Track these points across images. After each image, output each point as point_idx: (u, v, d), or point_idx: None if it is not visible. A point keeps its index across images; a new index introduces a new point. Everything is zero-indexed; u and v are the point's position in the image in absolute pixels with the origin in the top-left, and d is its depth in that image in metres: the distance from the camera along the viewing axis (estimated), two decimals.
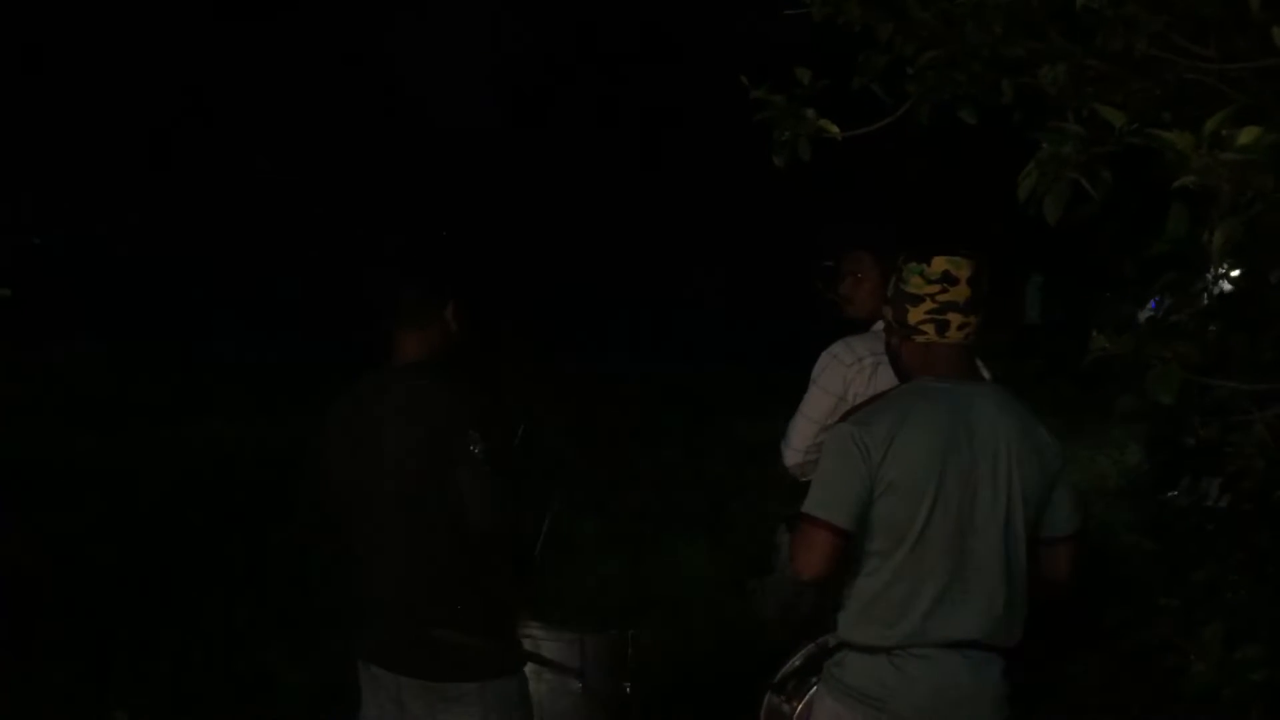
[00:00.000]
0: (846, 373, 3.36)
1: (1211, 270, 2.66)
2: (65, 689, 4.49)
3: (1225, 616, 2.81)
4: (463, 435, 2.53)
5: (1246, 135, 1.62)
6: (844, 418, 2.57)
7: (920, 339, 2.49)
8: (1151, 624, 3.22)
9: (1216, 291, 2.69)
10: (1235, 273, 2.65)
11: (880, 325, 3.42)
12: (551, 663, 3.07)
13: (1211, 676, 2.71)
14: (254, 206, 16.46)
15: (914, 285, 2.48)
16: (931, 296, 2.46)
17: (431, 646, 2.61)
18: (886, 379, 3.25)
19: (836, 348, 3.43)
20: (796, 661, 3.12)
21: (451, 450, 2.54)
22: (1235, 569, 2.97)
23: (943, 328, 2.46)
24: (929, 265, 2.46)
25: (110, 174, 15.89)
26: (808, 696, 2.97)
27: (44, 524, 6.79)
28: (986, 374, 3.34)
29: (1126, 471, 7.05)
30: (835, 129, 2.32)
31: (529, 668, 2.85)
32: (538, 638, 3.11)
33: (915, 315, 2.48)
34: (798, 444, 3.40)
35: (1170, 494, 3.39)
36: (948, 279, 2.45)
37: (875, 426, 2.40)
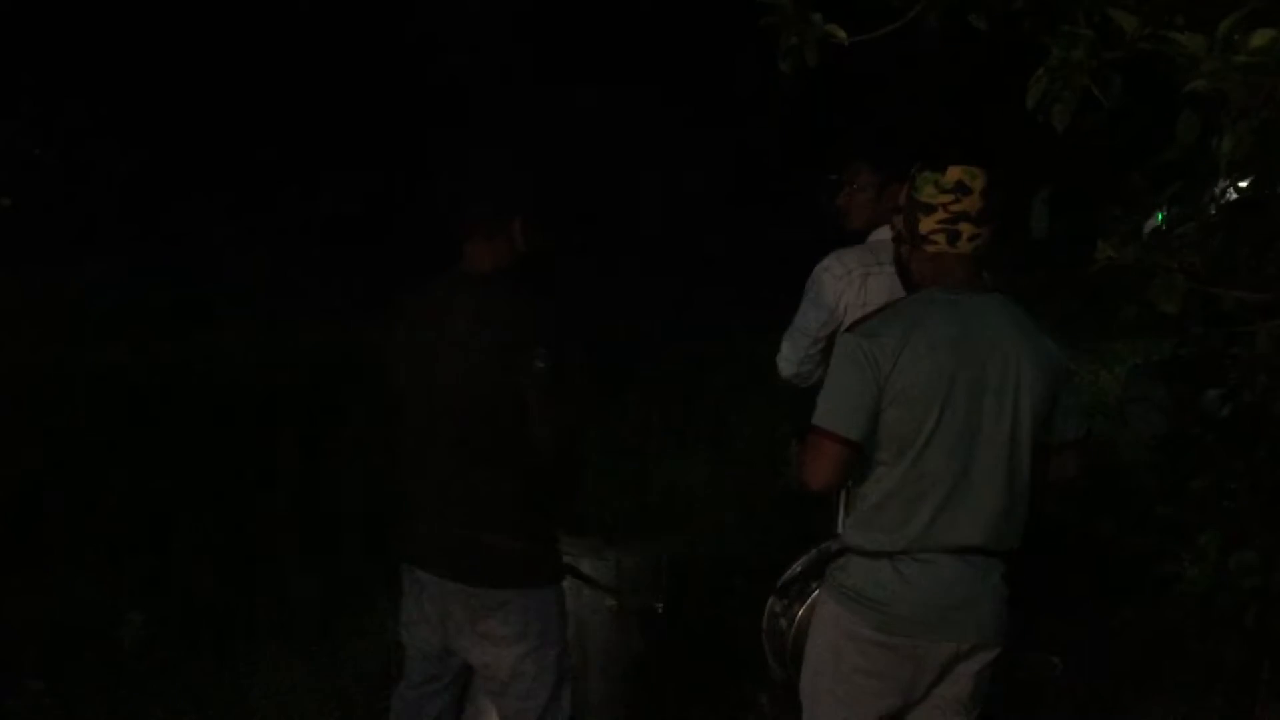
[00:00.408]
0: (837, 285, 3.41)
1: (1219, 181, 2.65)
2: (80, 593, 4.57)
3: (1221, 524, 2.86)
4: (529, 349, 2.56)
5: (1260, 38, 1.60)
6: (851, 328, 2.56)
7: (931, 249, 2.48)
8: (1148, 531, 3.27)
9: (1223, 202, 2.68)
10: (1243, 184, 2.64)
11: (876, 236, 3.43)
12: (590, 579, 3.12)
13: (1206, 582, 2.76)
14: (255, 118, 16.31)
15: (927, 194, 2.47)
16: (944, 206, 2.45)
17: (476, 552, 2.65)
18: (876, 290, 3.29)
19: (828, 260, 3.47)
20: (798, 567, 3.17)
21: (517, 362, 2.57)
22: (1233, 478, 2.99)
23: (954, 238, 2.45)
24: (943, 175, 2.45)
25: (111, 89, 15.72)
26: (809, 600, 3.02)
27: (55, 433, 6.86)
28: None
29: (1132, 382, 7.06)
30: (842, 34, 2.29)
31: (566, 582, 2.87)
32: (576, 554, 3.15)
33: (927, 224, 2.47)
34: (791, 355, 3.50)
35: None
36: (961, 188, 2.44)
37: (884, 337, 2.41)
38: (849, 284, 3.40)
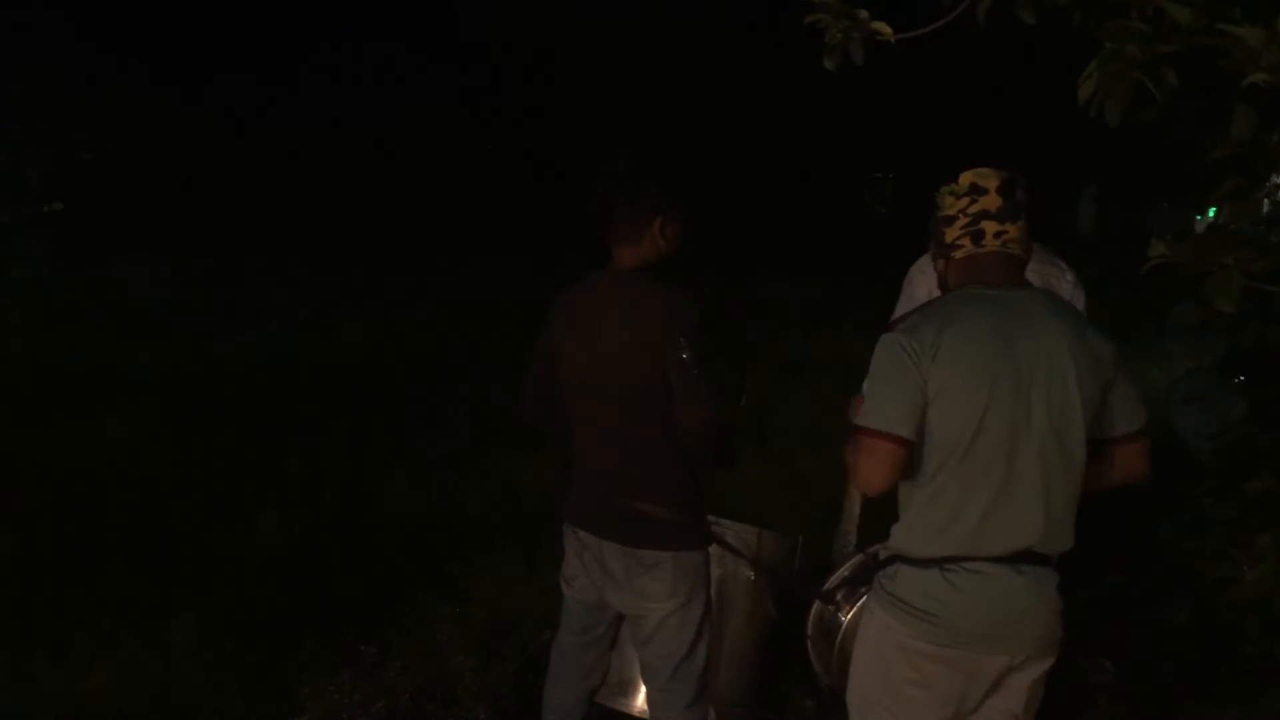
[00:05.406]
0: (930, 282, 3.38)
1: (1276, 177, 2.59)
2: (128, 594, 4.62)
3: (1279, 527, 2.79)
4: (674, 340, 2.84)
5: None
6: (889, 326, 2.53)
7: (959, 254, 2.49)
8: (1203, 533, 3.20)
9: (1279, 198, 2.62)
10: None
11: None
12: (733, 548, 3.32)
13: (1265, 585, 2.70)
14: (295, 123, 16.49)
15: (946, 206, 2.51)
16: (963, 211, 2.48)
17: (635, 518, 2.95)
18: None
19: (923, 260, 3.51)
20: (845, 572, 3.13)
21: (664, 351, 2.85)
22: None
23: (978, 237, 2.46)
24: (956, 183, 2.48)
25: (157, 89, 15.96)
26: (857, 606, 2.98)
27: (103, 433, 6.96)
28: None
29: (1179, 384, 6.96)
30: (888, 30, 2.26)
31: (711, 549, 3.15)
32: (722, 525, 3.38)
33: (952, 233, 2.50)
34: None
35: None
36: (975, 190, 2.48)
37: (922, 330, 2.38)
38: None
